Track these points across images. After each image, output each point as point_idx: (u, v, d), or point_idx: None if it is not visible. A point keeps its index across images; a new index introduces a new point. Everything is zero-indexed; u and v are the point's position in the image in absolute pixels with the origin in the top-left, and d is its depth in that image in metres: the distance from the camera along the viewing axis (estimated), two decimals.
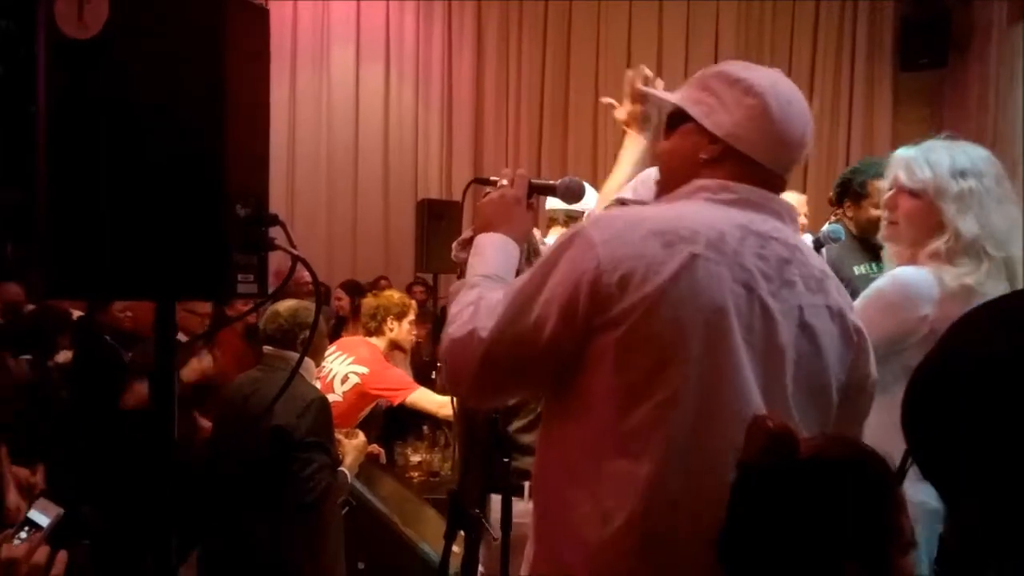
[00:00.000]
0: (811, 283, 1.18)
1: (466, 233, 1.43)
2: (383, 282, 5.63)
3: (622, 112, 1.75)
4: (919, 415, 0.69)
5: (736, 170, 1.20)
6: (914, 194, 1.73)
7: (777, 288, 1.14)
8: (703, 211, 1.17)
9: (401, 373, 3.59)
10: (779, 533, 0.94)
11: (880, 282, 1.75)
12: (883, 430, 1.69)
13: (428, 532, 2.82)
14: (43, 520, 1.23)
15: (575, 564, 1.12)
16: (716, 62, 6.45)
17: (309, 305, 2.66)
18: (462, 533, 1.68)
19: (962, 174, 1.69)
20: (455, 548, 1.71)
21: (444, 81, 7.00)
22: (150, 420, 1.10)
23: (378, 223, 6.92)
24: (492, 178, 1.48)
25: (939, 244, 1.67)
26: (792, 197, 4.23)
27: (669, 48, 6.84)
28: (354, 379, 3.34)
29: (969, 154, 1.73)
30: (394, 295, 3.68)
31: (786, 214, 1.22)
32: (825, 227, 2.03)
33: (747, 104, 1.20)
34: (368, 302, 3.68)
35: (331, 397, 2.91)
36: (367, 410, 3.41)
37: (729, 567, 0.99)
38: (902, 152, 1.80)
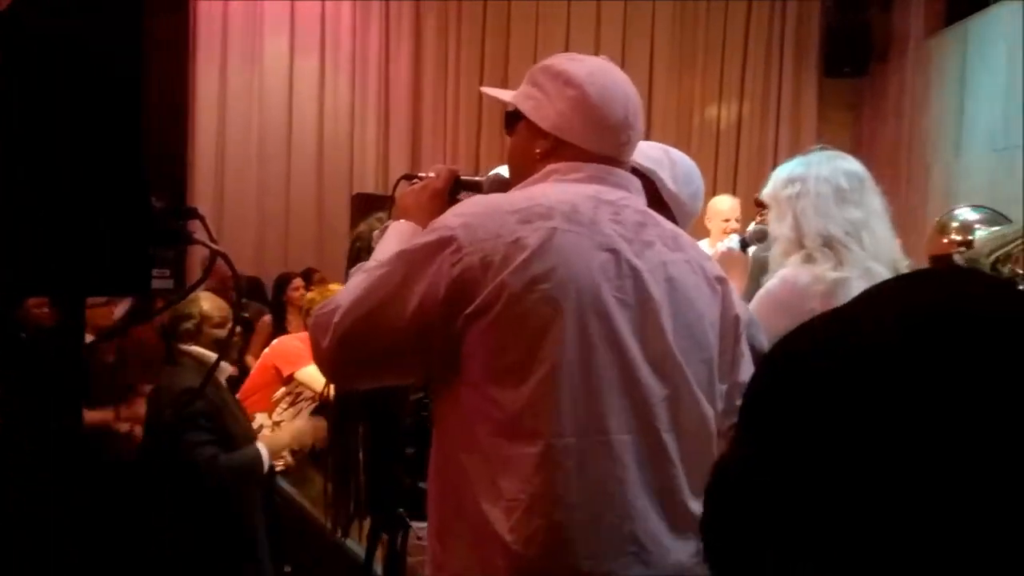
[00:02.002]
0: (668, 242, 1.23)
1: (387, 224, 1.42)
2: (317, 274, 5.57)
3: None
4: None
5: (569, 159, 1.24)
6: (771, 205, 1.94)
7: (639, 249, 1.18)
8: (554, 189, 1.21)
9: (300, 347, 3.34)
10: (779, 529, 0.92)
11: (770, 283, 1.87)
12: None
13: (362, 533, 2.78)
14: None
15: (488, 560, 1.11)
16: (652, 63, 6.56)
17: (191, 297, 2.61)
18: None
19: (791, 181, 1.86)
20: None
21: (381, 76, 6.90)
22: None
23: (311, 217, 6.78)
24: (421, 173, 1.47)
25: (798, 248, 1.83)
26: (726, 201, 4.41)
27: (606, 48, 6.89)
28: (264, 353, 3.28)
29: (812, 161, 1.89)
30: (333, 289, 3.55)
31: (631, 186, 1.27)
32: (751, 227, 2.11)
33: (568, 95, 1.24)
34: (311, 297, 3.63)
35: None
36: (281, 390, 3.27)
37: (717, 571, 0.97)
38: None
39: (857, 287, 1.75)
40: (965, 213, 1.82)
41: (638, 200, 1.27)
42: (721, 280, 1.27)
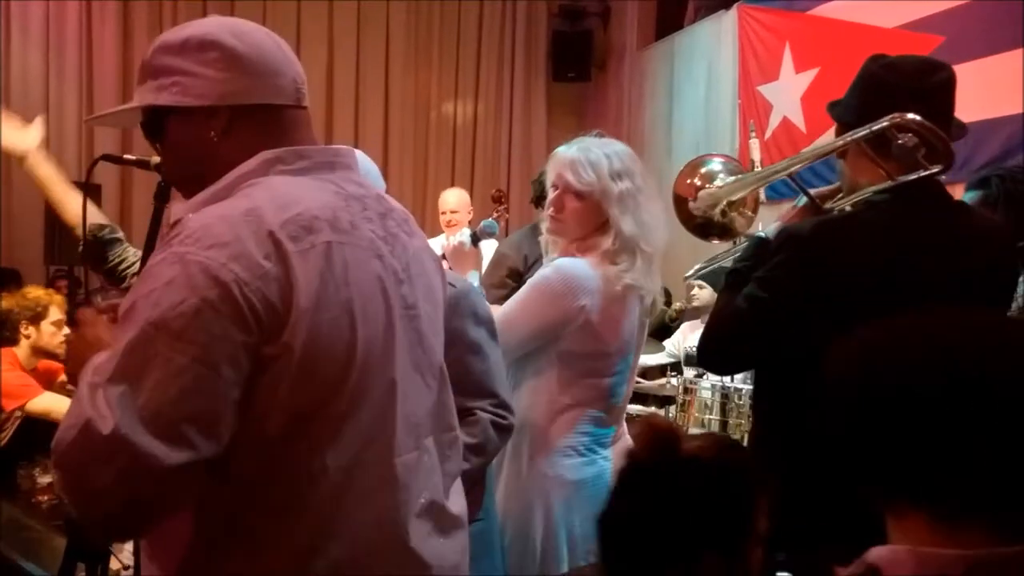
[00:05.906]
0: (405, 228, 1.15)
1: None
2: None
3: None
4: None
5: (255, 125, 1.07)
6: (580, 195, 1.86)
7: (392, 247, 1.09)
8: (300, 190, 1.03)
9: (21, 376, 3.11)
10: (653, 520, 1.03)
11: (545, 271, 1.86)
12: (535, 408, 1.82)
13: (56, 563, 2.42)
14: None
15: None
16: (388, 59, 6.40)
17: None
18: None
19: (619, 176, 1.86)
20: None
21: (82, 43, 6.07)
22: None
23: None
24: (126, 156, 1.36)
25: (606, 244, 1.83)
26: (452, 194, 4.44)
27: (339, 47, 6.71)
28: None
29: (620, 155, 1.90)
30: (29, 294, 3.32)
31: (353, 161, 1.15)
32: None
33: (211, 58, 1.06)
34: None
35: None
36: None
37: (605, 547, 1.08)
38: (563, 151, 1.91)
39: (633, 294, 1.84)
40: (714, 164, 2.02)
41: (366, 181, 1.16)
42: (439, 261, 1.24)
